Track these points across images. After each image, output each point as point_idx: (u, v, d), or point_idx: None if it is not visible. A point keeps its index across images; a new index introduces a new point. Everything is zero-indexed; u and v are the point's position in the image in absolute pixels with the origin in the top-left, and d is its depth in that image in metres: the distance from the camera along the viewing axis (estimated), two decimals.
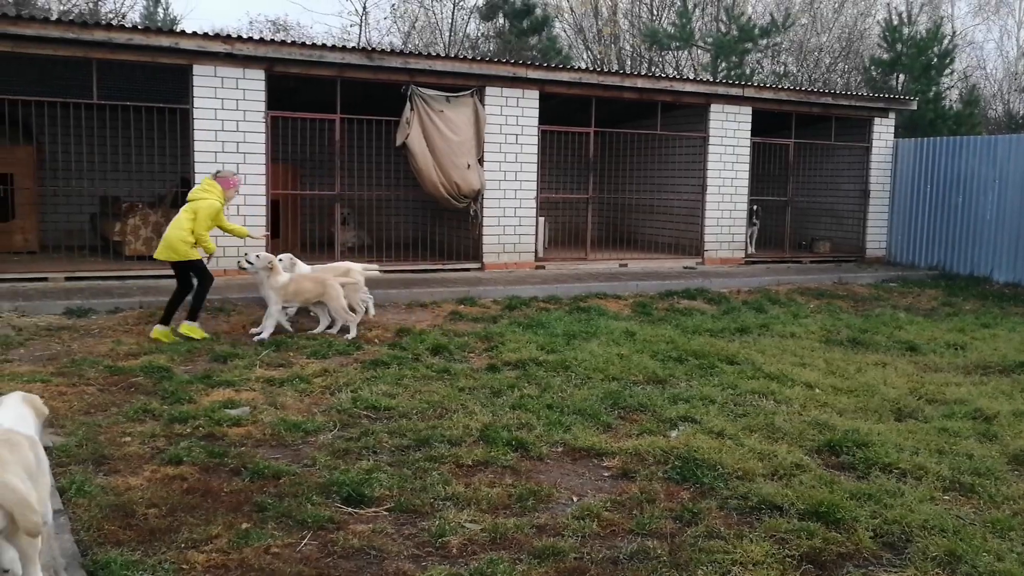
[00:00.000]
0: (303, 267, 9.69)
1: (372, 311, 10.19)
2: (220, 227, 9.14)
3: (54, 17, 11.06)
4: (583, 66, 29.63)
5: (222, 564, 3.82)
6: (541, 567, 3.90)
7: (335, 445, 5.50)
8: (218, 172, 9.39)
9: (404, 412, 6.23)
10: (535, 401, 6.57)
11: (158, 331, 8.67)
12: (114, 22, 14.76)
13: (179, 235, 8.84)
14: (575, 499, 4.77)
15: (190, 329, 8.81)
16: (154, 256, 9.22)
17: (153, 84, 13.02)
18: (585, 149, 15.44)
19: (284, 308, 9.24)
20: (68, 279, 11.43)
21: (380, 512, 4.50)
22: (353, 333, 8.95)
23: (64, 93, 12.03)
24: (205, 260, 9.19)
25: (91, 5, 27.47)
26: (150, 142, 14.56)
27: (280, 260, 9.35)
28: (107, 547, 3.93)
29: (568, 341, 8.83)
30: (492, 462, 5.24)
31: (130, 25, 11.95)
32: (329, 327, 9.28)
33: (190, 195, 9.16)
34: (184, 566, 3.79)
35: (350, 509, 4.51)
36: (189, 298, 8.96)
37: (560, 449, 5.59)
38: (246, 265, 9.07)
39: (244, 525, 4.23)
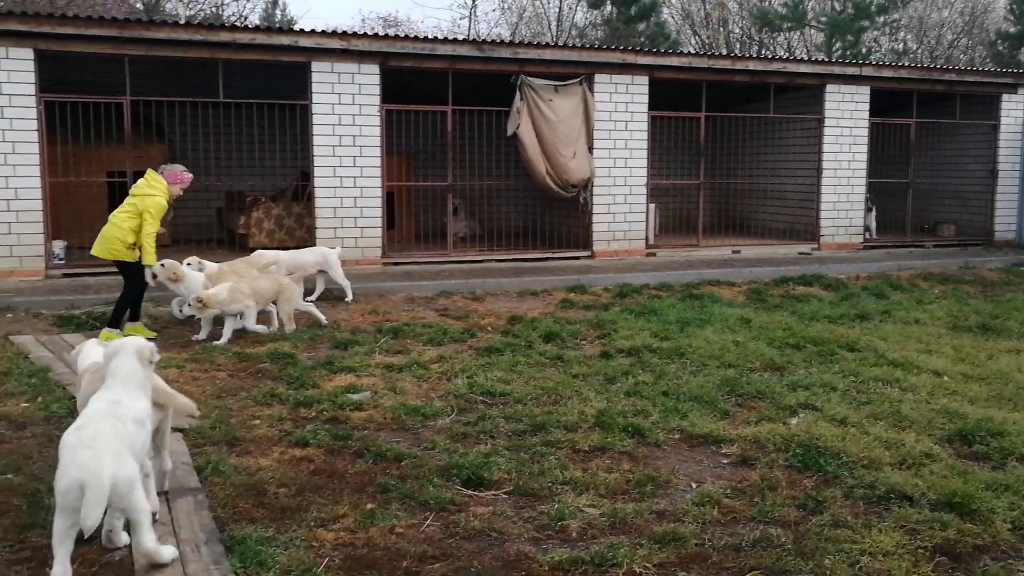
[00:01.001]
0: (211, 267, 9.04)
1: (349, 296, 10.46)
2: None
3: (183, 21, 11.55)
4: (692, 50, 29.10)
5: (349, 542, 3.96)
6: (662, 552, 3.89)
7: (453, 429, 5.61)
8: (164, 166, 8.69)
9: (519, 398, 6.30)
10: (650, 388, 6.53)
11: (130, 328, 8.31)
12: (238, 24, 15.33)
13: (116, 233, 8.21)
14: (694, 485, 4.73)
15: (133, 329, 8.33)
16: (91, 252, 8.51)
17: (274, 82, 13.49)
18: (695, 134, 15.19)
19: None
20: None
21: (499, 495, 4.57)
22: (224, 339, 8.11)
23: (192, 93, 12.61)
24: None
25: (215, 9, 28.67)
26: (271, 138, 15.10)
27: (188, 264, 8.81)
28: (242, 524, 4.11)
29: (682, 328, 8.74)
30: (608, 448, 5.25)
31: (252, 26, 12.39)
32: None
33: (133, 189, 8.44)
34: (314, 543, 3.94)
35: (470, 491, 4.60)
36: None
37: (677, 436, 5.55)
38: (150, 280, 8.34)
39: (369, 505, 4.37)
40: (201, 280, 8.68)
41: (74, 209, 12.74)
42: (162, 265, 8.36)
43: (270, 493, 4.50)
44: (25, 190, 10.97)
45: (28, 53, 10.86)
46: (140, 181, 8.46)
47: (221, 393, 6.50)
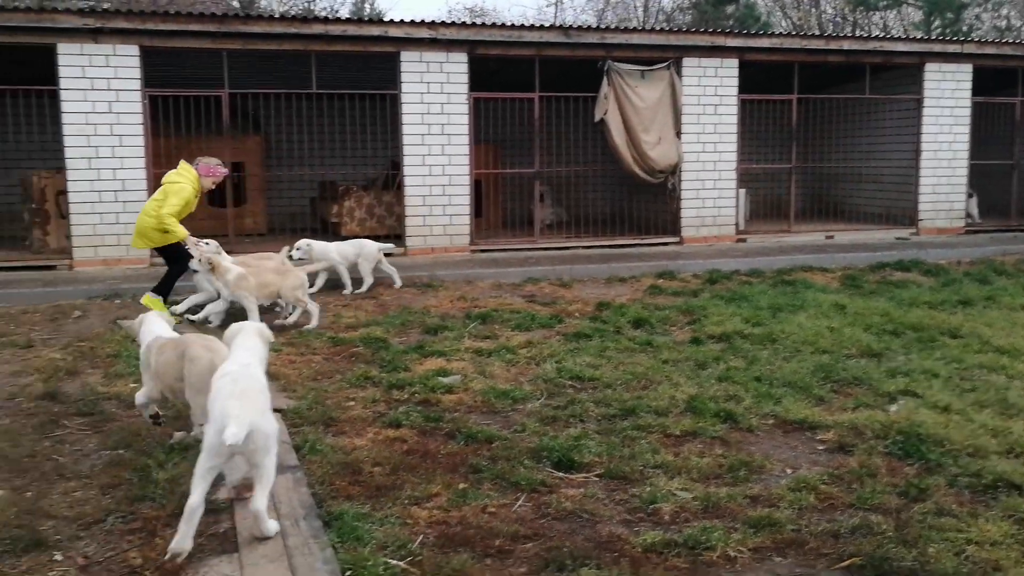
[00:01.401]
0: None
1: (398, 282, 10.40)
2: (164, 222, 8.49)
3: (277, 15, 11.88)
4: (783, 31, 28.39)
5: (443, 521, 4.02)
6: (757, 536, 3.84)
7: (543, 413, 5.64)
8: (200, 158, 8.93)
9: (608, 382, 6.28)
10: (742, 374, 6.44)
11: (148, 298, 8.70)
12: (329, 16, 15.64)
13: (148, 223, 8.60)
14: (789, 471, 4.65)
15: (152, 301, 8.61)
16: (131, 246, 9.12)
17: (364, 72, 13.73)
18: (787, 117, 14.84)
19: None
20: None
21: (590, 477, 4.57)
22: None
23: (286, 85, 12.94)
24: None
25: (307, 4, 29.28)
26: (362, 128, 15.37)
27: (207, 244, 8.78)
28: (339, 500, 4.22)
29: (774, 314, 8.57)
30: (700, 433, 5.20)
31: (343, 18, 12.62)
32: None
33: (164, 178, 8.83)
34: (408, 521, 4.02)
35: (561, 474, 4.62)
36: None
37: (771, 421, 5.46)
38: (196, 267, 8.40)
39: (461, 485, 4.43)
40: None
41: None
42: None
43: (365, 472, 4.60)
44: (132, 181, 11.45)
45: (134, 49, 11.31)
46: (171, 171, 8.85)
47: (317, 376, 6.66)
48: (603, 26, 23.03)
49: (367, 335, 7.92)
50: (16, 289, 10.06)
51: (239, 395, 3.71)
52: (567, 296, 9.87)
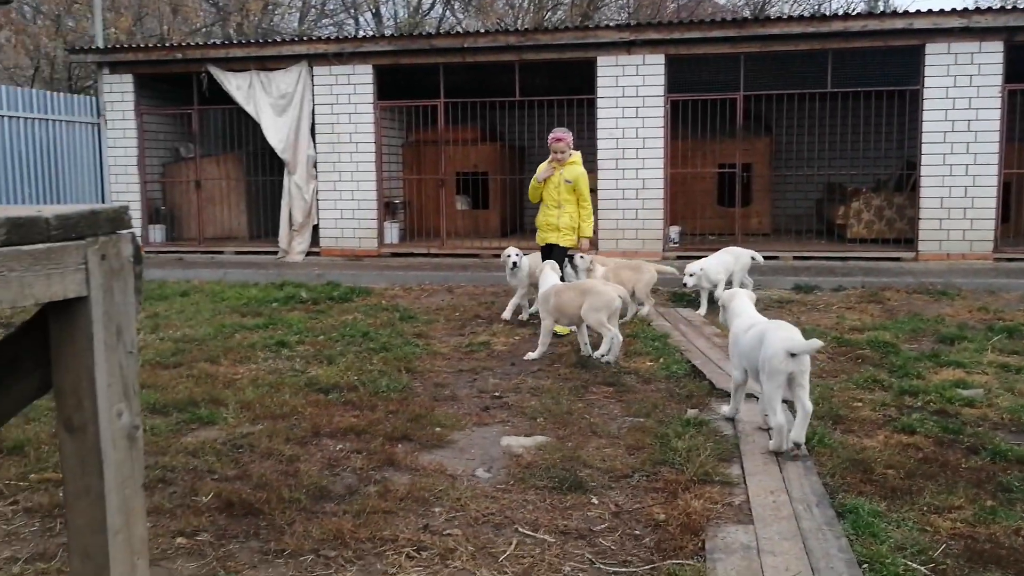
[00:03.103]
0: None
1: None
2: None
3: (795, 16, 11.93)
4: None
5: (968, 535, 3.80)
6: None
7: None
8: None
9: None
10: None
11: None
12: (850, 12, 15.25)
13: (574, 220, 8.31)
14: None
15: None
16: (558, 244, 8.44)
17: (880, 68, 13.15)
18: None
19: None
20: (796, 258, 12.32)
21: None
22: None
23: (798, 86, 12.93)
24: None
25: (817, 5, 28.70)
26: (876, 127, 14.74)
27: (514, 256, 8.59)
28: (851, 495, 4.21)
29: None
30: None
31: (863, 13, 12.26)
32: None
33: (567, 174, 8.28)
34: (927, 528, 3.87)
35: None
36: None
37: None
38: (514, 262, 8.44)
39: (989, 502, 4.13)
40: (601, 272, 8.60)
41: (688, 198, 14.01)
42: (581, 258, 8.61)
43: (877, 472, 4.52)
44: (651, 180, 12.40)
45: (660, 58, 12.23)
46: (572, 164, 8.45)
47: (821, 373, 6.64)
48: None
49: (874, 338, 7.66)
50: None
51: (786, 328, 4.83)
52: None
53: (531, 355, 7.12)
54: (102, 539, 2.08)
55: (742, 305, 5.49)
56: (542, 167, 8.40)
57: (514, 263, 8.59)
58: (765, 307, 9.48)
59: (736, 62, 12.30)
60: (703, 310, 9.21)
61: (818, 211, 15.76)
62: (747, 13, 23.99)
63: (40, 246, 1.90)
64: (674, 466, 4.55)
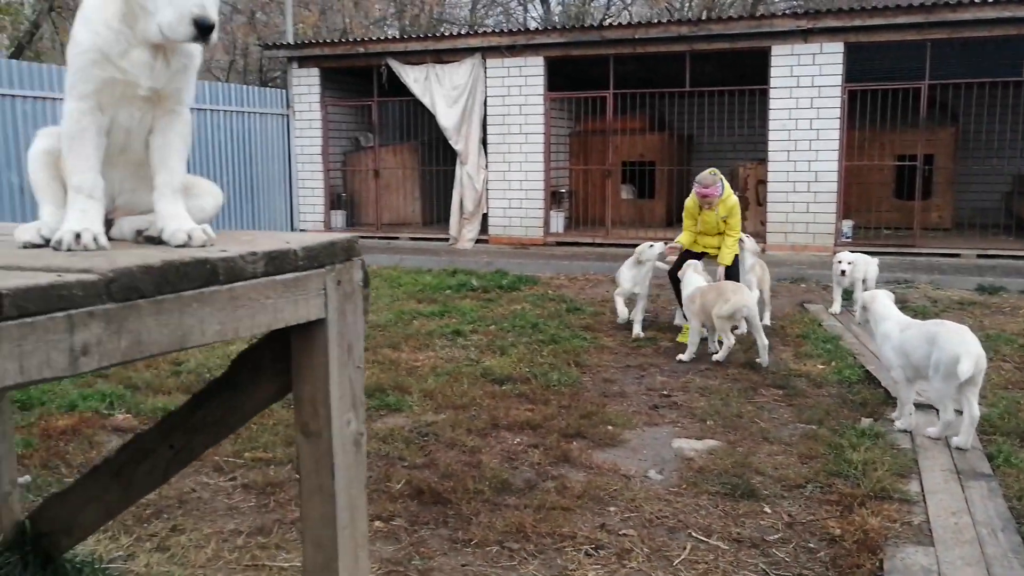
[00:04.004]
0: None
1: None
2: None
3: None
4: None
5: None
6: None
7: None
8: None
9: None
10: None
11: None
12: None
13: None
14: None
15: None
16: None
17: None
18: None
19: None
20: (979, 256, 11.67)
21: None
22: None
23: (988, 73, 12.17)
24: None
25: None
26: None
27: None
28: None
29: None
30: None
31: None
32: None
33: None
34: None
35: None
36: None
37: None
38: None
39: None
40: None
41: (863, 191, 13.49)
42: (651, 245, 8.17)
43: None
44: (824, 173, 12.04)
45: (838, 47, 11.82)
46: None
47: (1007, 384, 6.35)
48: None
49: None
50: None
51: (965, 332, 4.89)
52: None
53: (682, 357, 7.14)
54: (332, 533, 2.36)
55: (886, 305, 5.54)
56: (658, 251, 8.08)
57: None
58: (944, 308, 9.11)
59: (921, 49, 11.72)
60: (837, 307, 8.88)
61: (1006, 205, 14.79)
62: None
63: (290, 275, 2.17)
64: (849, 479, 4.52)
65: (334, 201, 15.55)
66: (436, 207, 15.85)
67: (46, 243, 2.10)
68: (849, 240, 12.50)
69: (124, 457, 2.71)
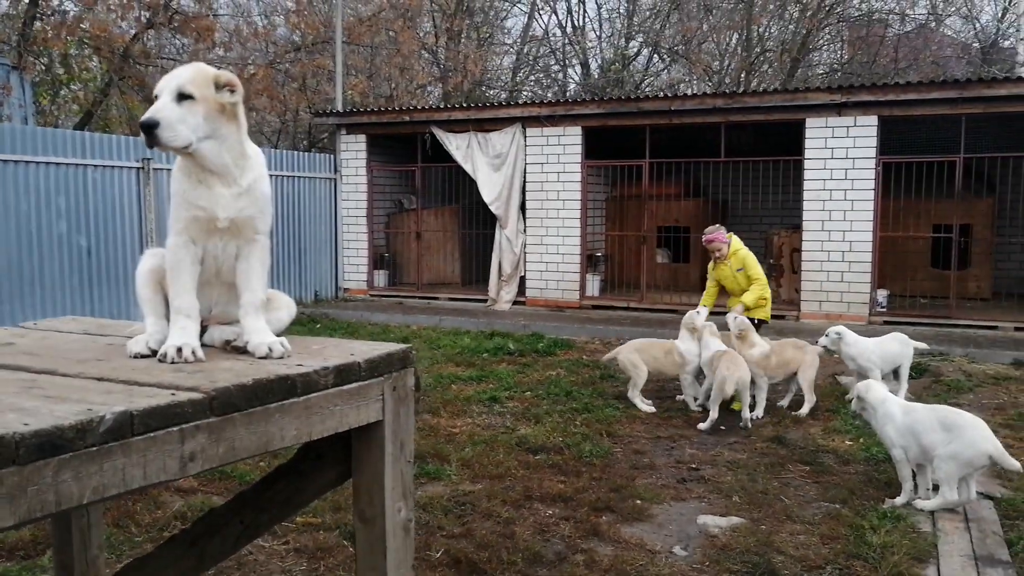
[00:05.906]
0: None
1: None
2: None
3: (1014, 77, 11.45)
4: None
5: None
6: None
7: None
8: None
9: None
10: None
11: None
12: None
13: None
14: None
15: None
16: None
17: None
18: None
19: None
20: (1017, 329, 11.71)
21: None
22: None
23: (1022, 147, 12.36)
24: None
25: None
26: None
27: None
28: None
29: None
30: None
31: None
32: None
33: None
34: None
35: None
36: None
37: None
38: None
39: None
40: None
41: (898, 260, 13.64)
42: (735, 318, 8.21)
43: None
44: (858, 243, 12.23)
45: (872, 120, 12.09)
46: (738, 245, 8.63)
47: None
48: None
49: None
50: None
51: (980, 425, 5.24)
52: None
53: (702, 426, 7.40)
54: None
55: (883, 390, 5.89)
56: (705, 315, 8.26)
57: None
58: (978, 383, 9.19)
59: (956, 121, 11.95)
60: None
61: None
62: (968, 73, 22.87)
63: (354, 385, 2.51)
64: (868, 561, 4.69)
65: (377, 261, 16.03)
66: (475, 268, 16.26)
67: (153, 353, 2.47)
68: (885, 310, 12.62)
69: (199, 529, 3.04)
